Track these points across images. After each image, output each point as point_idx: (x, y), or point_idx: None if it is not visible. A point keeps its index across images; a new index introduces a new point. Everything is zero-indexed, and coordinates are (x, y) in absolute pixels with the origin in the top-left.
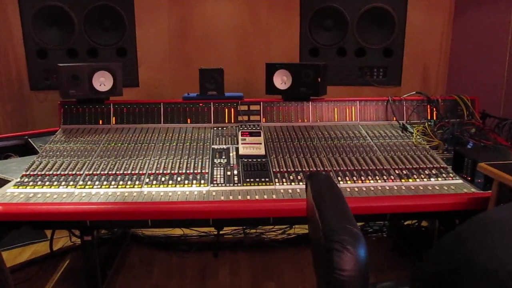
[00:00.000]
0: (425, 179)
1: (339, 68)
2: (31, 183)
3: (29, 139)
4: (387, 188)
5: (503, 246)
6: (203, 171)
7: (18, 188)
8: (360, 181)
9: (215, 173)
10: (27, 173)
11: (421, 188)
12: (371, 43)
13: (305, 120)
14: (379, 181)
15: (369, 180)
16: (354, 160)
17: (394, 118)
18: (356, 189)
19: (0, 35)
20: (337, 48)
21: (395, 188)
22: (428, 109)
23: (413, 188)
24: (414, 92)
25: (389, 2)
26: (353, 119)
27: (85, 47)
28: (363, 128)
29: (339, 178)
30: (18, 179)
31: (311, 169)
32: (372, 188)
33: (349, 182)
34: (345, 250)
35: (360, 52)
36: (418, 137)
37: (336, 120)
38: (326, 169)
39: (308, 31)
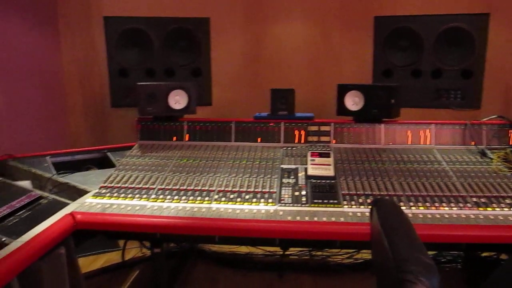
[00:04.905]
0: (505, 209)
1: (413, 90)
2: (108, 195)
3: (108, 153)
4: (463, 216)
5: None
6: (271, 190)
7: (96, 198)
8: (433, 208)
9: (283, 193)
10: (105, 184)
11: (501, 218)
12: (448, 64)
13: (377, 142)
14: (454, 208)
15: (444, 206)
16: (428, 185)
17: (472, 143)
18: (429, 216)
19: (87, 56)
20: (412, 69)
21: (472, 216)
22: (510, 134)
23: (492, 217)
24: (495, 116)
25: (468, 21)
26: (428, 143)
27: (162, 67)
28: (438, 152)
29: (411, 203)
30: (97, 190)
31: (381, 193)
32: (447, 216)
33: (421, 208)
34: (419, 281)
35: (436, 73)
36: (498, 163)
37: (409, 143)
38: (397, 193)
39: (382, 51)
